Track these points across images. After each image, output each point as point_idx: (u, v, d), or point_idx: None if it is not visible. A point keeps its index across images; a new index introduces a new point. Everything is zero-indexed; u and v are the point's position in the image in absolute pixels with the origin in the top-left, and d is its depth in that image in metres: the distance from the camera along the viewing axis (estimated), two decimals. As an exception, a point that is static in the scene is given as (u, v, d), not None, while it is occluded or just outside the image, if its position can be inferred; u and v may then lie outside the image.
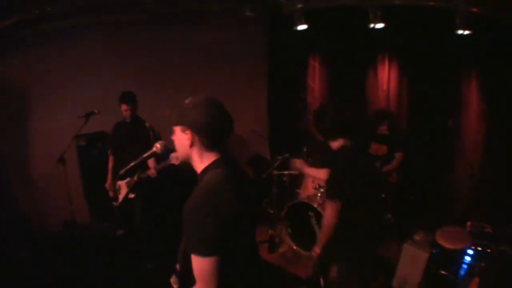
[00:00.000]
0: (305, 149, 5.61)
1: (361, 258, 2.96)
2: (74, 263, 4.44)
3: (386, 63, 6.25)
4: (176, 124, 1.83)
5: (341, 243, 2.89)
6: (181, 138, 1.81)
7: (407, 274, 4.05)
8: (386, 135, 5.16)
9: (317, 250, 2.88)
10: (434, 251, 4.01)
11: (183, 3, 5.41)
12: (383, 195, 4.83)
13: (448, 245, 3.90)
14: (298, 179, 5.60)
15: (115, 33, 5.36)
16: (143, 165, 4.06)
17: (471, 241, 3.95)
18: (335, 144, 2.93)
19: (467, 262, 3.92)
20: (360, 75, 6.48)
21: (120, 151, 4.58)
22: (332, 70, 6.79)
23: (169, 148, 2.08)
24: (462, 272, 3.95)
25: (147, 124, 4.57)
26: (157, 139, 4.16)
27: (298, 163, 3.73)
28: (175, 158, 1.91)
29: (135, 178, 3.98)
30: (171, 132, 1.87)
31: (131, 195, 4.47)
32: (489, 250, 3.86)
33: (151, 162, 4.25)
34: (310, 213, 4.73)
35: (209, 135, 1.78)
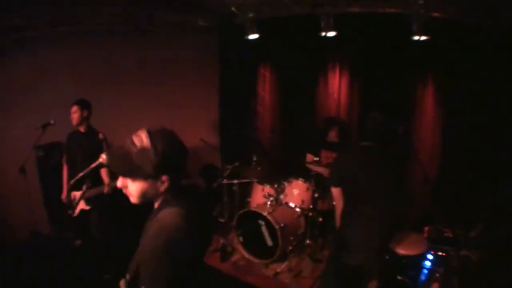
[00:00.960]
0: (254, 158, 5.60)
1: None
2: (36, 273, 4.44)
3: (337, 71, 6.24)
4: (143, 177, 1.70)
5: None
6: (151, 186, 1.71)
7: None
8: (336, 142, 5.22)
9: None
10: (387, 257, 3.94)
11: (137, 12, 5.40)
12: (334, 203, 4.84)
13: (402, 251, 3.83)
14: (248, 188, 5.66)
15: (71, 43, 5.33)
16: (95, 177, 4.07)
17: (429, 246, 3.93)
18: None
19: (426, 267, 3.89)
20: (311, 84, 6.46)
21: (73, 162, 4.54)
22: (282, 79, 6.76)
23: None
24: (422, 277, 3.91)
25: (100, 136, 4.51)
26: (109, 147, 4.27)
27: None
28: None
29: (85, 190, 3.89)
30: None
31: (86, 207, 4.46)
32: (450, 255, 3.84)
33: (104, 175, 4.40)
34: (260, 222, 4.79)
35: (176, 172, 1.75)
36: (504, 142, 4.63)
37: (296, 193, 5.14)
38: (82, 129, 4.53)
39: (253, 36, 5.54)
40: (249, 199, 5.53)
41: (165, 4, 5.40)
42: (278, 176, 5.39)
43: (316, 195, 5.04)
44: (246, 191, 5.69)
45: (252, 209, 4.92)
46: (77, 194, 4.41)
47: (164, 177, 1.68)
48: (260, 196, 5.29)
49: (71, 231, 4.95)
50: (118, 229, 4.86)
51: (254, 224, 4.84)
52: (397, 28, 4.88)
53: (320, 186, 5.01)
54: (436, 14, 4.59)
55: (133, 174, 1.69)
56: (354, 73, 6.14)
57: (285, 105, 6.78)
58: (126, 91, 5.77)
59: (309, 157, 5.30)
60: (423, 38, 4.68)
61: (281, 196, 5.19)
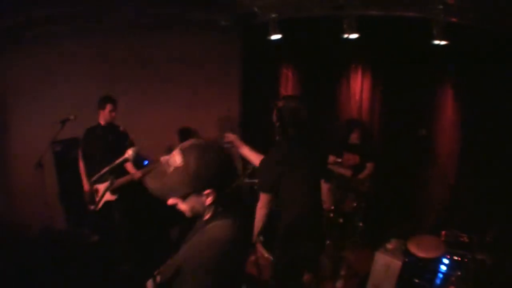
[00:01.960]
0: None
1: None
2: (51, 269, 4.37)
3: (359, 73, 6.26)
4: (184, 196, 1.66)
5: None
6: (196, 202, 1.67)
7: (379, 283, 4.01)
8: (357, 144, 5.24)
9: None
10: (407, 260, 3.96)
11: (162, 10, 5.40)
12: (354, 204, 4.85)
13: (420, 254, 3.84)
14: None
15: (93, 40, 5.30)
16: (119, 170, 4.09)
17: (446, 250, 3.91)
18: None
19: (442, 271, 3.89)
20: (333, 85, 6.49)
21: (93, 157, 4.53)
22: (305, 80, 6.77)
23: (140, 155, 2.08)
24: (437, 281, 3.91)
25: (121, 129, 4.58)
26: (130, 145, 4.24)
27: (232, 136, 3.47)
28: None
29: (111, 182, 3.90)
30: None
31: (112, 197, 4.46)
32: (466, 260, 3.83)
33: (130, 167, 4.44)
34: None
35: (218, 184, 1.65)
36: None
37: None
38: (103, 123, 4.55)
39: (276, 37, 5.55)
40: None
41: (190, 2, 5.42)
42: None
43: (338, 196, 5.03)
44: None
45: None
46: (100, 187, 4.45)
47: (206, 191, 1.62)
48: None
49: (88, 227, 4.89)
50: (140, 220, 4.91)
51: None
52: (418, 32, 4.84)
53: (341, 187, 5.02)
54: (454, 20, 4.58)
55: (171, 195, 1.66)
56: (376, 76, 6.16)
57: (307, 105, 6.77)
58: (147, 88, 5.79)
59: (331, 158, 5.32)
60: (443, 42, 4.64)
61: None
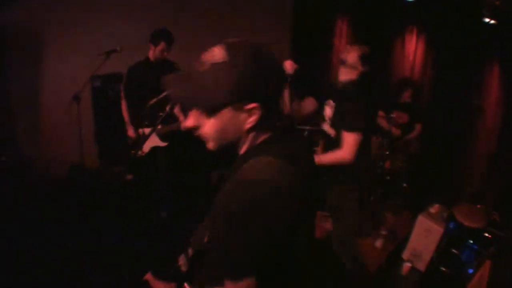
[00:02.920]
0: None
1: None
2: (81, 208, 4.25)
3: (415, 35, 6.30)
4: (218, 107, 1.15)
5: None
6: (232, 120, 1.16)
7: (418, 247, 3.96)
8: (408, 103, 5.16)
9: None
10: (450, 226, 3.89)
11: None
12: (400, 164, 4.79)
13: (466, 222, 3.75)
14: (317, 137, 5.26)
15: None
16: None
17: (486, 223, 3.83)
18: None
19: (474, 246, 3.83)
20: (387, 44, 6.44)
21: (141, 95, 3.85)
22: (359, 35, 6.63)
23: None
24: (472, 254, 3.85)
25: (175, 66, 4.13)
26: None
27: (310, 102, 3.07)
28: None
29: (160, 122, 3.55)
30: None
31: (162, 144, 4.16)
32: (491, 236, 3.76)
33: (178, 112, 3.90)
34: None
35: (270, 101, 1.18)
36: None
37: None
38: (152, 58, 4.05)
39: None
40: (316, 148, 5.26)
41: None
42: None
43: (387, 153, 4.96)
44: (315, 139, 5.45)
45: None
46: (146, 130, 4.10)
47: (250, 105, 1.13)
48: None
49: (122, 165, 4.75)
50: (184, 170, 4.78)
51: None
52: (471, 7, 5.05)
53: (390, 146, 4.95)
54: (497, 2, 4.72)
55: (201, 100, 1.17)
56: (430, 42, 6.21)
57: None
58: (192, 32, 5.37)
59: (381, 114, 5.21)
60: (492, 22, 4.85)
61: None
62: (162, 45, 3.97)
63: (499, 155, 5.27)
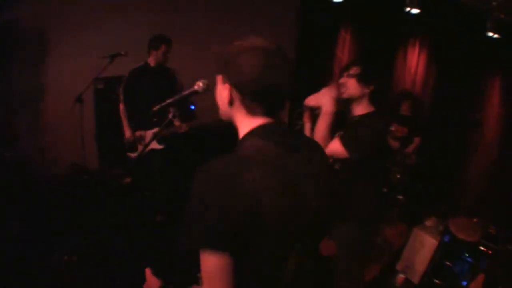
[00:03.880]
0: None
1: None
2: (78, 207, 4.21)
3: (417, 47, 6.31)
4: (217, 72, 1.31)
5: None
6: (220, 90, 1.30)
7: (412, 259, 3.98)
8: (407, 116, 5.16)
9: None
10: (444, 239, 3.89)
11: None
12: (398, 176, 4.80)
13: (461, 235, 3.76)
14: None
15: None
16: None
17: (482, 236, 3.83)
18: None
19: (468, 259, 3.83)
20: (389, 55, 6.44)
21: (140, 99, 4.14)
22: (362, 46, 6.65)
23: (210, 89, 1.71)
24: (466, 268, 3.86)
25: (174, 72, 4.29)
26: (180, 90, 3.71)
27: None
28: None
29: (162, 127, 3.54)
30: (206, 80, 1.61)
31: (159, 146, 4.20)
32: (490, 252, 3.76)
33: (176, 120, 4.07)
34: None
35: (253, 94, 1.23)
36: None
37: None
38: (152, 63, 4.22)
39: (338, -1, 5.43)
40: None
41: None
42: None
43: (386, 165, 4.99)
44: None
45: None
46: (144, 133, 4.25)
47: (227, 84, 1.28)
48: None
49: (120, 168, 4.74)
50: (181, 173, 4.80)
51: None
52: (475, 21, 5.08)
53: (388, 158, 4.99)
54: (502, 16, 4.78)
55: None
56: (433, 53, 6.22)
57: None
58: (195, 37, 5.42)
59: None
60: (495, 36, 4.86)
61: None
62: (163, 47, 4.16)
63: (499, 169, 5.28)
